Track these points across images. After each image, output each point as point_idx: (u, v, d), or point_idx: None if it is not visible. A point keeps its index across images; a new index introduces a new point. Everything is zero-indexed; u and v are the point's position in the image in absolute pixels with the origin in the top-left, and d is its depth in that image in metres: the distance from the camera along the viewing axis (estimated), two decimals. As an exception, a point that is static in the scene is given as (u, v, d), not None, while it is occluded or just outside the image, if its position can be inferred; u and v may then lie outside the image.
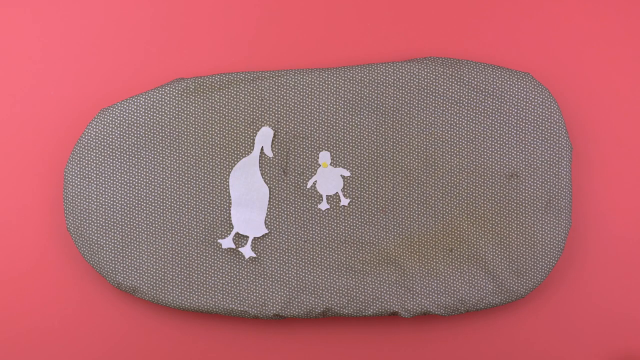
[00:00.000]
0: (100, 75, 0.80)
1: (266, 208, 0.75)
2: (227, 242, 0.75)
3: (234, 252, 0.75)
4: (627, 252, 0.79)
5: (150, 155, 0.76)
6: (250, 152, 0.76)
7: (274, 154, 0.76)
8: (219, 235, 0.75)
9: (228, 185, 0.76)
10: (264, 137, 0.76)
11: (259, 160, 0.76)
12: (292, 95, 0.76)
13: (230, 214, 0.75)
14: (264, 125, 0.76)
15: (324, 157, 0.76)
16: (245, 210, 0.75)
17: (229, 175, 0.76)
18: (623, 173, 0.79)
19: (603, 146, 0.80)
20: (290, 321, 0.80)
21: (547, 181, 0.75)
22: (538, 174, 0.75)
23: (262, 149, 0.76)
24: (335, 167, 0.76)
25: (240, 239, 0.75)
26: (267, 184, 0.76)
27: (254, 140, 0.76)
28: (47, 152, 0.80)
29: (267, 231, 0.75)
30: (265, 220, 0.76)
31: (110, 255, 0.75)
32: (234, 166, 0.76)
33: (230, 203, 0.75)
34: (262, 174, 0.76)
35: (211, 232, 0.76)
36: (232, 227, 0.75)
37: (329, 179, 0.76)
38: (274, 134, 0.76)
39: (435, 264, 0.75)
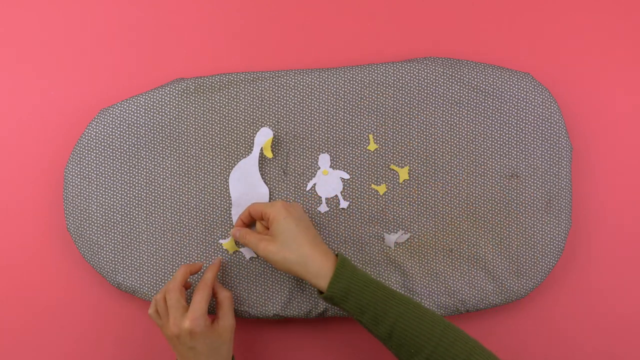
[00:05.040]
0: (100, 75, 0.80)
1: (266, 208, 0.75)
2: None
3: (235, 253, 0.75)
4: (628, 252, 0.79)
5: (150, 156, 0.76)
6: (250, 153, 0.76)
7: (273, 155, 0.76)
8: (219, 236, 0.75)
9: (228, 186, 0.76)
10: (264, 137, 0.75)
11: (259, 160, 0.76)
12: (292, 96, 0.76)
13: (230, 214, 0.75)
14: (263, 126, 0.76)
15: (324, 161, 0.75)
16: (245, 211, 0.75)
17: (228, 175, 0.76)
18: (623, 173, 0.79)
19: (603, 146, 0.79)
20: (290, 321, 0.80)
21: (547, 181, 0.75)
22: (538, 174, 0.75)
23: (261, 149, 0.75)
24: (335, 169, 0.75)
25: (240, 239, 0.75)
26: (267, 184, 0.76)
27: (253, 140, 0.76)
28: (47, 152, 0.80)
29: (267, 231, 0.75)
30: (265, 220, 0.75)
31: (110, 255, 0.75)
32: (233, 166, 0.76)
33: (231, 203, 0.75)
34: (262, 174, 0.76)
35: (211, 232, 0.75)
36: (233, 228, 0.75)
37: (328, 182, 0.75)
38: (274, 134, 0.76)
39: (436, 265, 0.75)
